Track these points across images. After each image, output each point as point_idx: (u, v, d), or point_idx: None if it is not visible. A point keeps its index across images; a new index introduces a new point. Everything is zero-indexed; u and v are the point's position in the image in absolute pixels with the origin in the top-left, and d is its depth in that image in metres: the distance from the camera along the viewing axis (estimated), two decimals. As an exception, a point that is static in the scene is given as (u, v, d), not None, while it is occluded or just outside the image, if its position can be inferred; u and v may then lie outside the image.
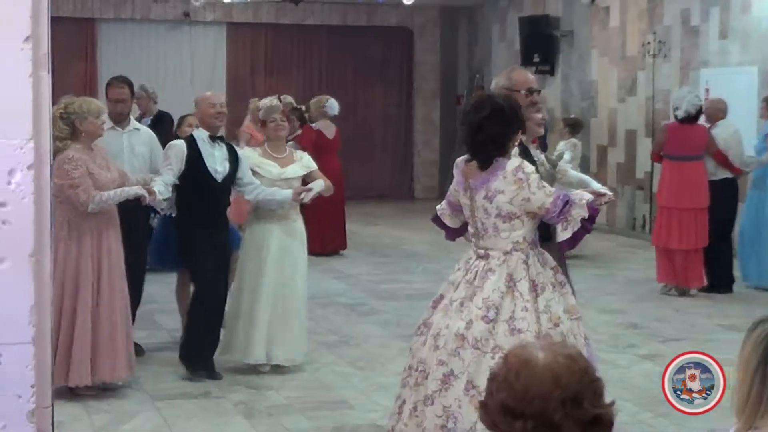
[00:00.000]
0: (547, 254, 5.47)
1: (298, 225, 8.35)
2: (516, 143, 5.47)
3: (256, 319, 8.07)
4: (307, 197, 8.11)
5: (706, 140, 11.52)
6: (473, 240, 5.53)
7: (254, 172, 8.19)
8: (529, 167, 5.33)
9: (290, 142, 11.91)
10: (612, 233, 16.62)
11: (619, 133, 17.08)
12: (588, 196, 5.36)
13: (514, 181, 5.26)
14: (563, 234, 5.34)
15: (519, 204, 5.29)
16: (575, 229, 5.29)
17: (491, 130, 5.30)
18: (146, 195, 7.50)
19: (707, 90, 14.38)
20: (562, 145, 14.02)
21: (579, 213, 5.28)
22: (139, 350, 8.41)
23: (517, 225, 5.35)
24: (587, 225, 5.31)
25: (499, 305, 5.25)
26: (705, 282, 11.60)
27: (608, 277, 12.96)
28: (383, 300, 11.36)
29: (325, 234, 13.80)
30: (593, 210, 5.31)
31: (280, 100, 8.69)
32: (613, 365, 8.50)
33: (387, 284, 12.31)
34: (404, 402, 5.48)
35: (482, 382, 5.08)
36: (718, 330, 9.86)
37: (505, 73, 6.35)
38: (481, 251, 5.43)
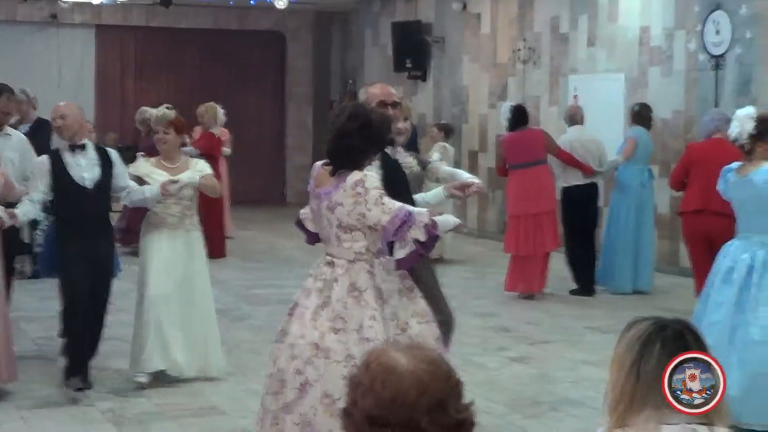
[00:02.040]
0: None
1: (194, 236, 8.22)
2: (372, 161, 5.52)
3: (144, 329, 7.95)
4: (172, 188, 7.92)
5: (543, 143, 11.72)
6: (324, 245, 5.56)
7: (145, 182, 8.08)
8: (372, 182, 5.29)
9: (189, 149, 11.88)
10: (482, 237, 16.79)
11: (490, 138, 17.26)
12: (428, 219, 5.28)
13: (352, 195, 5.27)
14: (398, 253, 5.35)
15: (356, 218, 5.30)
16: (410, 250, 5.28)
17: (353, 141, 5.31)
18: (6, 219, 7.34)
19: (575, 96, 14.65)
20: (433, 148, 14.13)
21: (415, 234, 5.25)
22: None
23: (358, 236, 5.36)
24: (420, 248, 5.28)
25: (346, 315, 5.30)
26: (545, 286, 11.78)
27: (479, 281, 13.10)
28: (255, 305, 11.30)
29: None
30: (431, 233, 5.30)
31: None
32: (482, 368, 8.59)
33: (259, 289, 12.25)
34: (266, 410, 5.50)
35: (335, 391, 5.13)
36: (585, 332, 10.03)
37: (366, 86, 6.49)
38: (329, 258, 5.48)
